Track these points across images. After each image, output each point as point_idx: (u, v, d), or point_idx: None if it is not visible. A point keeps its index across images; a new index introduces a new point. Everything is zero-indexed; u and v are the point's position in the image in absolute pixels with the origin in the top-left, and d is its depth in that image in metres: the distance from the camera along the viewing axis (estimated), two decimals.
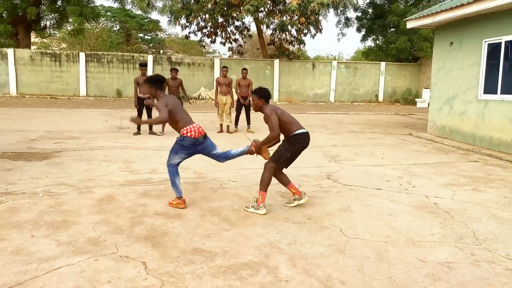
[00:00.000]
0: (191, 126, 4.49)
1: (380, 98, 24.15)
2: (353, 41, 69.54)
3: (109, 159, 6.97)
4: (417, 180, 6.10)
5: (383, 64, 24.17)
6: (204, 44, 25.95)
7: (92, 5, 22.75)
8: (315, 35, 23.42)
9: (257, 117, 14.45)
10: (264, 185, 4.51)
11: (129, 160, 6.91)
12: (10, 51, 19.86)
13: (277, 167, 4.61)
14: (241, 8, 20.63)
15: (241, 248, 3.55)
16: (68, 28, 25.30)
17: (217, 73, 21.84)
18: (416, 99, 22.49)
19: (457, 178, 6.30)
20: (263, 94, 4.58)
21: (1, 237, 3.60)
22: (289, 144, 4.57)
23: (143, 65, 10.22)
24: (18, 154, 7.10)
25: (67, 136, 9.10)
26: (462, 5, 8.89)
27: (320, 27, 23.16)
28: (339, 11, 26.27)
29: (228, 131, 10.48)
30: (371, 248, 3.63)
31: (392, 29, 25.17)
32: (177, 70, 10.07)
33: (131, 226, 3.98)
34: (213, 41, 24.22)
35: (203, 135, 4.58)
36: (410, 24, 11.14)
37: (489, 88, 8.97)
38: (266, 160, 4.65)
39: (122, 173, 6.05)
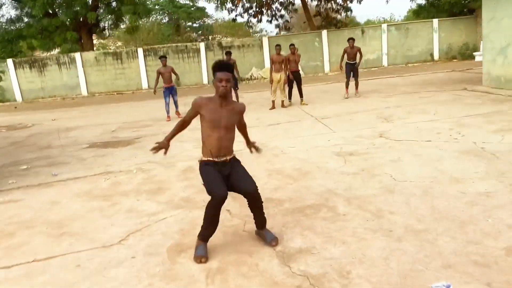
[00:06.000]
0: None
1: (436, 57, 23.43)
2: (402, 1, 66.29)
3: (182, 139, 7.85)
4: (467, 130, 6.39)
5: (435, 21, 23.33)
6: (251, 24, 26.50)
7: (143, 1, 24.11)
8: (361, 0, 23.10)
9: (308, 90, 14.92)
10: None
11: (199, 139, 7.76)
12: (77, 55, 21.76)
13: None
14: None
15: (304, 196, 4.26)
16: (122, 27, 26.94)
17: (266, 51, 22.36)
18: (474, 53, 21.61)
19: (509, 124, 6.48)
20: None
21: (115, 202, 4.59)
22: None
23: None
24: (105, 143, 8.27)
25: (142, 125, 10.24)
26: None
27: None
28: None
29: (282, 106, 11.08)
30: (417, 187, 4.17)
31: None
32: (230, 53, 11.13)
33: None
34: (260, 21, 24.67)
35: None
36: None
37: None
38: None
39: (196, 149, 6.93)
